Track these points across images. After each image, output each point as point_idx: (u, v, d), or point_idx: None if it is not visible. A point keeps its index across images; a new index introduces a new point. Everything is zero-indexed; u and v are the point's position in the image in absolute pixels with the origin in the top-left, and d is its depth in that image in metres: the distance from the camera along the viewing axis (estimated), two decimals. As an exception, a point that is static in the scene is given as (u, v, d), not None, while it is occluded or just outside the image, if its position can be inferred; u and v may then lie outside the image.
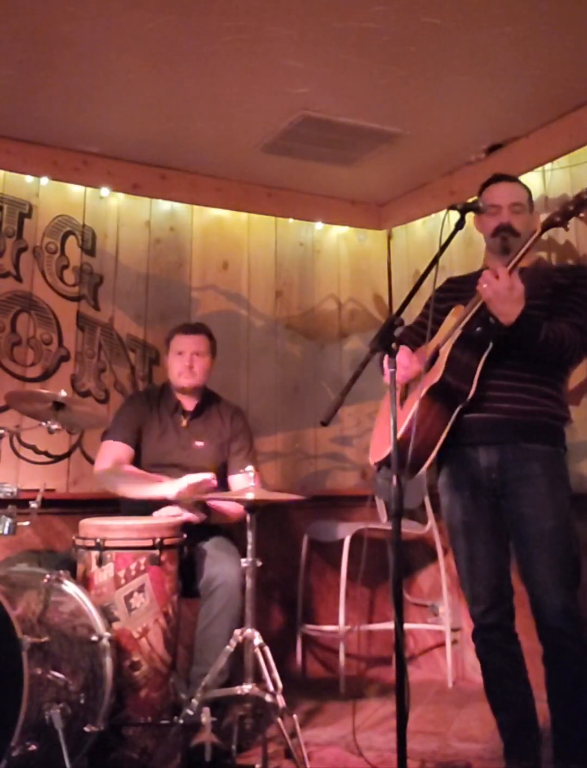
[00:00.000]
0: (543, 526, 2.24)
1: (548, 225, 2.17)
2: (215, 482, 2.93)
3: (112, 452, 3.08)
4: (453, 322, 2.37)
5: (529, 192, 2.51)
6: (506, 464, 2.31)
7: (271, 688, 2.53)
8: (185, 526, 2.83)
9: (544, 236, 2.29)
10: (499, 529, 2.35)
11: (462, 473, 2.38)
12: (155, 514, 2.89)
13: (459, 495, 2.39)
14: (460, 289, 2.52)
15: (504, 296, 2.16)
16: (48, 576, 2.37)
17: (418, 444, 2.22)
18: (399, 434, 2.20)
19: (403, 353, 2.37)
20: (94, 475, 3.17)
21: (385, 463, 2.35)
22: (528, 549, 2.27)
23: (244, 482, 2.83)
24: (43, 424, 2.60)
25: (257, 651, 2.56)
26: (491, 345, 2.27)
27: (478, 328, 2.27)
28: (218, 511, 3.07)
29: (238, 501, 2.72)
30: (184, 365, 3.16)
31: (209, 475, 2.91)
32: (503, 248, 2.41)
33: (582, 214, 2.16)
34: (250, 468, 2.70)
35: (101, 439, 3.22)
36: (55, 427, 2.58)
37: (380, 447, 2.42)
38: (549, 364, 2.34)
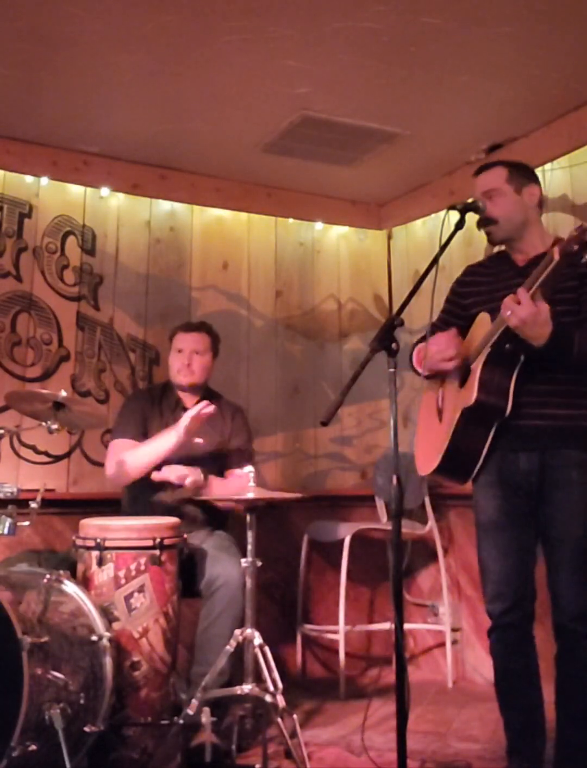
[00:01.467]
0: (572, 531, 2.25)
1: (567, 253, 2.01)
2: (211, 408, 2.96)
3: (121, 450, 3.07)
4: (481, 335, 2.33)
5: (513, 168, 2.38)
6: (545, 469, 2.30)
7: (271, 688, 2.53)
8: (187, 523, 2.83)
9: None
10: (529, 532, 2.35)
11: (500, 475, 2.36)
12: (164, 469, 2.93)
13: (493, 494, 2.37)
14: (481, 281, 2.48)
15: (531, 322, 2.09)
16: (48, 576, 2.37)
17: (463, 459, 2.33)
18: (443, 451, 2.31)
19: (441, 335, 2.37)
20: (108, 479, 3.14)
21: (435, 472, 2.39)
22: (554, 551, 2.28)
23: (242, 479, 2.82)
24: (43, 424, 2.60)
25: (257, 651, 2.56)
26: (522, 359, 2.24)
27: (507, 345, 2.23)
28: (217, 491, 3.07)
29: (238, 501, 2.72)
30: (182, 363, 3.16)
31: (203, 404, 2.95)
32: (490, 242, 2.40)
33: None
34: (250, 468, 2.70)
35: (110, 440, 3.20)
36: (55, 427, 2.58)
37: (425, 459, 2.45)
38: (583, 369, 2.28)
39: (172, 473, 2.95)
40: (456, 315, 2.52)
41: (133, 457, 3.00)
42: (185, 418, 2.91)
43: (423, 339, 2.53)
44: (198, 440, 3.14)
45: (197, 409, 2.93)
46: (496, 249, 2.56)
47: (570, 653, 2.25)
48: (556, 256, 2.02)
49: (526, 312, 2.08)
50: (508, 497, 2.35)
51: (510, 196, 2.34)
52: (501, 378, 2.26)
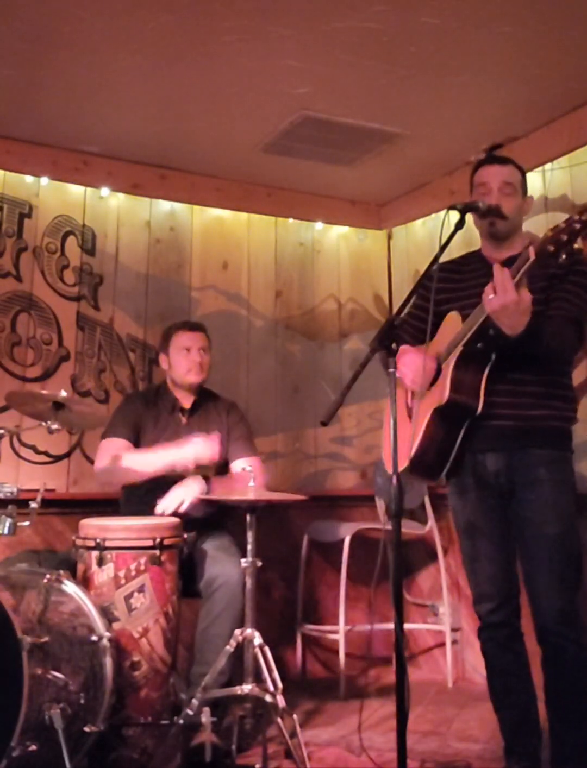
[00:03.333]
0: (546, 531, 2.24)
1: (542, 254, 2.02)
2: (216, 452, 2.94)
3: (112, 448, 3.07)
4: (450, 334, 2.33)
5: (523, 175, 2.44)
6: (513, 469, 2.31)
7: (271, 688, 2.53)
8: (187, 523, 2.83)
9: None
10: (506, 530, 2.36)
11: (470, 476, 2.37)
12: (160, 502, 2.88)
13: (468, 496, 2.39)
14: (453, 278, 2.48)
15: (512, 310, 2.09)
16: (48, 576, 2.37)
17: (433, 458, 2.30)
18: (413, 451, 2.28)
19: (415, 355, 2.36)
20: (95, 475, 3.17)
21: (405, 470, 2.35)
22: (531, 553, 2.28)
23: (245, 468, 2.80)
24: (43, 424, 2.60)
25: (257, 651, 2.56)
26: (493, 357, 2.25)
27: (479, 344, 2.24)
28: (223, 488, 3.03)
29: (238, 501, 2.72)
30: (194, 361, 3.17)
31: (211, 450, 2.92)
32: (490, 233, 2.39)
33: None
34: (251, 462, 2.70)
35: (101, 438, 3.21)
36: (55, 427, 2.58)
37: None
38: (550, 364, 2.32)
39: (171, 504, 2.89)
40: (425, 310, 2.43)
41: (129, 467, 2.97)
42: (190, 455, 2.89)
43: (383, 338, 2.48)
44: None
45: (206, 454, 2.92)
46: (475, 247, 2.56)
47: (554, 655, 2.25)
48: (532, 256, 2.03)
49: (509, 299, 2.07)
50: (483, 498, 2.36)
51: (519, 198, 2.40)
52: (473, 377, 2.26)
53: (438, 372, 2.35)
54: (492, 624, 2.39)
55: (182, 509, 2.86)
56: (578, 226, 1.97)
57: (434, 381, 2.36)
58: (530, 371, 2.30)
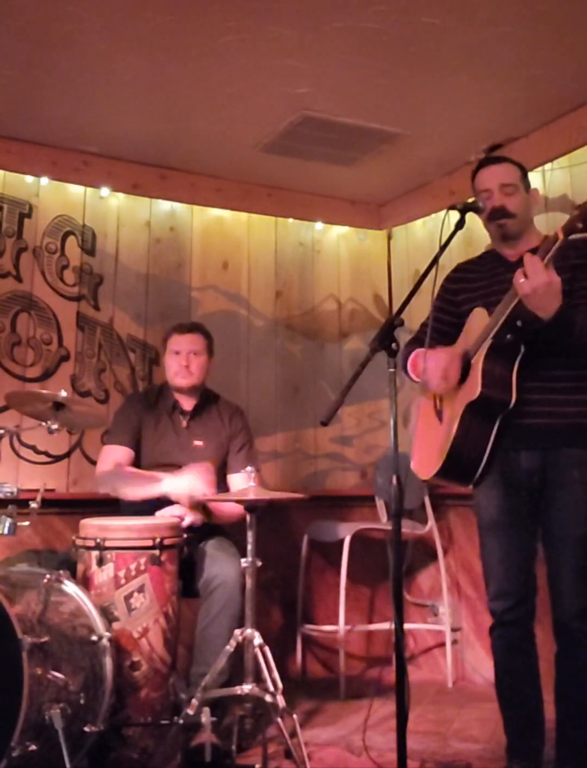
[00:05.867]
0: (573, 532, 2.24)
1: (569, 231, 2.06)
2: (212, 479, 2.93)
3: (113, 456, 3.08)
4: (479, 328, 2.32)
5: (523, 170, 2.44)
6: (547, 468, 2.30)
7: (271, 688, 2.53)
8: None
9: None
10: (530, 529, 2.35)
11: (501, 475, 2.35)
12: (158, 514, 2.88)
13: (495, 493, 2.37)
14: (472, 278, 2.48)
15: (543, 291, 2.09)
16: (48, 576, 2.37)
17: (467, 458, 2.27)
18: (446, 452, 2.26)
19: (441, 353, 2.35)
20: (95, 479, 3.17)
21: (437, 476, 2.34)
22: (556, 552, 2.28)
23: (244, 482, 2.82)
24: (43, 424, 2.60)
25: (257, 651, 2.55)
26: (523, 349, 2.24)
27: (509, 336, 2.23)
28: (219, 513, 3.04)
29: (238, 501, 2.72)
30: (180, 365, 3.14)
31: (204, 485, 2.90)
32: (501, 234, 2.38)
33: None
34: (250, 468, 2.70)
35: (102, 443, 3.22)
36: (55, 427, 2.58)
37: (424, 462, 2.42)
38: (581, 359, 2.28)
39: (168, 513, 2.89)
40: (448, 312, 2.51)
41: (125, 487, 2.97)
42: (184, 490, 2.87)
43: (417, 340, 2.52)
44: (198, 443, 3.15)
45: (201, 489, 2.88)
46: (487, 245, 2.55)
47: (570, 652, 2.26)
48: (561, 235, 2.06)
49: (540, 281, 2.07)
50: (510, 496, 2.34)
51: (523, 193, 2.39)
52: (503, 370, 2.25)
53: (466, 370, 2.33)
54: (505, 622, 2.37)
55: (184, 524, 2.85)
56: None
57: (463, 379, 2.33)
58: (560, 366, 2.28)
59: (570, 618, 2.23)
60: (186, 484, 2.88)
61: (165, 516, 2.86)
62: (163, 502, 2.91)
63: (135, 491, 2.95)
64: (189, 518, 2.88)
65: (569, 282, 2.26)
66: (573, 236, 2.08)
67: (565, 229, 2.06)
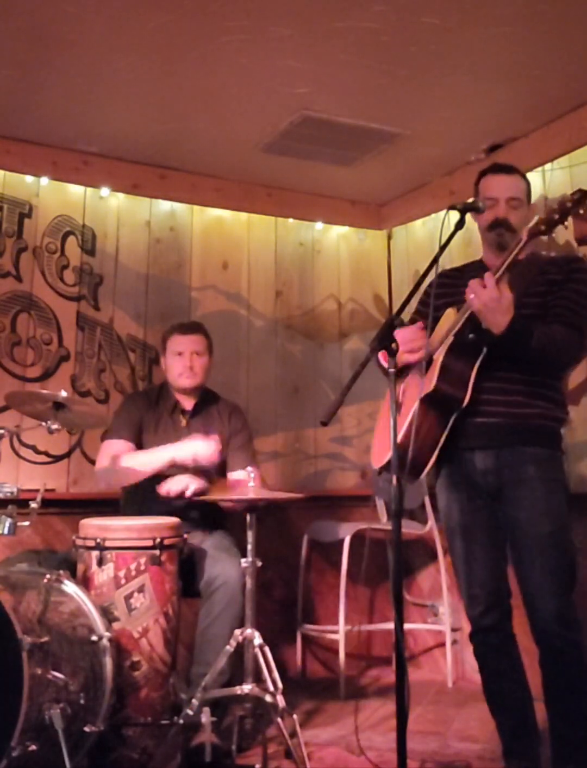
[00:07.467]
0: (538, 531, 2.23)
1: (534, 233, 2.10)
2: (216, 453, 2.97)
3: (113, 450, 3.07)
4: (446, 327, 2.34)
5: (528, 184, 2.47)
6: (502, 467, 2.30)
7: (271, 688, 2.53)
8: (187, 523, 2.83)
9: (543, 238, 2.26)
10: (496, 531, 2.34)
11: (458, 476, 2.37)
12: (165, 484, 2.92)
13: (456, 497, 2.38)
14: (454, 284, 2.48)
15: (493, 307, 2.12)
16: (48, 576, 2.37)
17: (417, 450, 2.22)
18: (399, 440, 2.20)
19: (406, 329, 2.35)
20: (95, 475, 3.17)
21: (386, 468, 2.33)
22: (524, 553, 2.26)
23: (244, 479, 2.83)
24: (43, 424, 2.60)
25: (257, 651, 2.56)
26: (485, 350, 2.25)
27: (471, 335, 2.24)
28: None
29: (238, 501, 2.72)
30: (184, 366, 3.15)
31: (210, 450, 2.95)
32: (498, 244, 2.39)
33: (566, 222, 2.10)
34: (250, 468, 2.71)
35: (103, 439, 3.21)
36: (55, 427, 2.58)
37: (382, 451, 2.40)
38: (542, 367, 2.31)
39: (176, 486, 2.93)
40: (426, 316, 2.48)
41: (128, 468, 2.99)
42: (189, 453, 2.93)
43: (383, 338, 2.51)
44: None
45: (206, 452, 2.95)
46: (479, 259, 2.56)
47: (554, 659, 2.23)
48: (524, 236, 2.09)
49: (488, 295, 2.11)
50: (471, 498, 2.34)
51: (526, 209, 2.42)
52: (463, 367, 2.26)
53: (431, 363, 2.33)
54: (483, 628, 2.37)
55: (188, 493, 2.89)
56: (569, 204, 2.04)
57: (426, 372, 2.34)
58: (522, 371, 2.29)
59: (547, 622, 2.21)
60: (191, 448, 2.93)
61: (170, 484, 2.91)
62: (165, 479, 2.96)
63: (143, 465, 2.97)
64: (194, 485, 2.90)
65: (543, 295, 2.31)
66: (535, 238, 2.11)
67: (530, 231, 2.09)
